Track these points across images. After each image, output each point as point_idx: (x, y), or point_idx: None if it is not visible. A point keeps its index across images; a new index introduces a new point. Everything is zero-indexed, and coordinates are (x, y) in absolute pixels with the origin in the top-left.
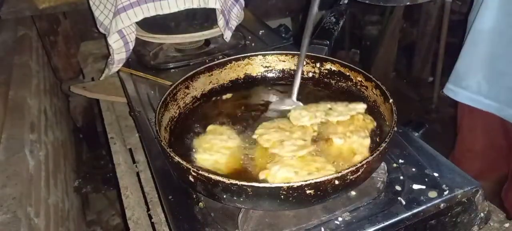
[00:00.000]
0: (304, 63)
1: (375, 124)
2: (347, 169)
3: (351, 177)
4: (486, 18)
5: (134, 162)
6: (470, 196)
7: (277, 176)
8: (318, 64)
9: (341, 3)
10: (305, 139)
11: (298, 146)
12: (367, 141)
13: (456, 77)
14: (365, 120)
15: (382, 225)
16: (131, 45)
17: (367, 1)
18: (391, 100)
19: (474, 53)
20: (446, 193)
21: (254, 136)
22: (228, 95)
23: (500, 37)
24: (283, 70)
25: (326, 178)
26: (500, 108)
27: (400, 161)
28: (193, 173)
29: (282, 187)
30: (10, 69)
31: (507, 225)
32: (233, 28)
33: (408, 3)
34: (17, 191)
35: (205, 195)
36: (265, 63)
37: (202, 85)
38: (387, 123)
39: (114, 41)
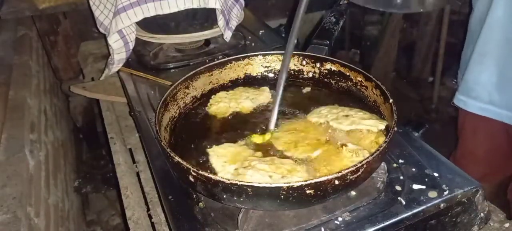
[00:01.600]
0: (304, 63)
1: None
2: (347, 169)
3: (351, 177)
4: (493, 29)
5: (134, 162)
6: (470, 196)
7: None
8: (318, 64)
9: (341, 3)
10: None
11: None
12: None
13: (466, 87)
14: (377, 141)
15: (382, 225)
16: (131, 45)
17: (373, 7)
18: (391, 100)
19: (483, 63)
20: (446, 193)
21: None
22: None
23: (508, 45)
24: None
25: (326, 178)
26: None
27: (400, 161)
28: (193, 173)
29: (282, 187)
30: (10, 69)
31: (507, 225)
32: (233, 28)
33: (409, 11)
34: (17, 191)
35: (205, 195)
36: (265, 63)
37: (202, 85)
38: (387, 123)
39: (114, 41)
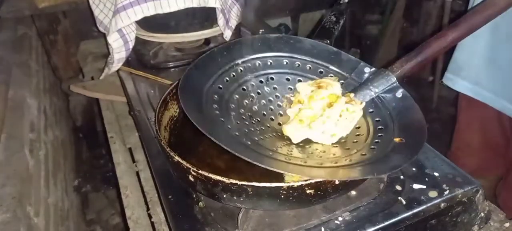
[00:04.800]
0: None
1: None
2: None
3: None
4: None
5: (133, 161)
6: (471, 196)
7: None
8: None
9: (341, 2)
10: None
11: None
12: None
13: (455, 66)
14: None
15: (382, 224)
16: (131, 44)
17: None
18: None
19: (473, 44)
20: (446, 192)
21: None
22: None
23: (497, 30)
24: None
25: (326, 178)
26: (497, 100)
27: None
28: (193, 173)
29: (282, 187)
30: (9, 69)
31: (507, 224)
32: (233, 27)
33: None
34: (16, 191)
35: (205, 195)
36: None
37: None
38: None
39: (113, 40)
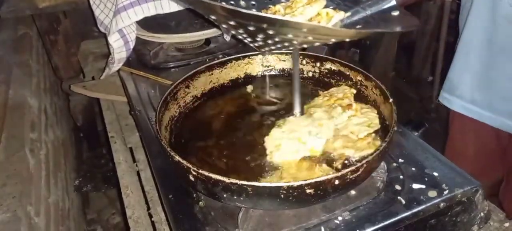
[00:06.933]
0: (304, 62)
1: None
2: (347, 168)
3: (351, 177)
4: (474, 28)
5: (134, 161)
6: (470, 196)
7: None
8: (318, 64)
9: None
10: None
11: None
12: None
13: (450, 85)
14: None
15: (382, 224)
16: (132, 45)
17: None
18: (391, 100)
19: (466, 61)
20: (446, 192)
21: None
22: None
23: (490, 46)
24: (283, 70)
25: (326, 177)
26: (493, 117)
27: (400, 160)
28: (193, 173)
29: (282, 186)
30: (10, 69)
31: (507, 224)
32: None
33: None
34: (17, 190)
35: (205, 194)
36: (265, 63)
37: (202, 84)
38: (387, 122)
39: (114, 40)
